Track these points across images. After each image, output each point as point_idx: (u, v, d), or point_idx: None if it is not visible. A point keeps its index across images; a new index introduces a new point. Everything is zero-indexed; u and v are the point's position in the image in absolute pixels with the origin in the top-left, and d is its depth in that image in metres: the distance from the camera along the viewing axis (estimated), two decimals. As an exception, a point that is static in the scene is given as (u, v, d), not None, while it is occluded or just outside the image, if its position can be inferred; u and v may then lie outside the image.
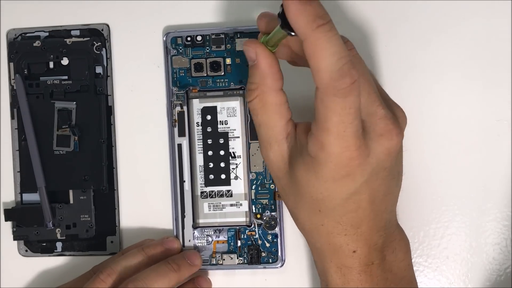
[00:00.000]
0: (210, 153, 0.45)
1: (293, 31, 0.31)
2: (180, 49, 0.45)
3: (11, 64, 0.47)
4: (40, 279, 0.48)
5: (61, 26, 0.47)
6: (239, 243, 0.45)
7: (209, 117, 0.45)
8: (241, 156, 0.45)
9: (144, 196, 0.47)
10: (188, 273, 0.43)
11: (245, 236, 0.45)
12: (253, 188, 0.45)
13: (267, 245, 0.45)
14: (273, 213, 0.45)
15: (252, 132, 0.45)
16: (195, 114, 0.45)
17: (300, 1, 0.30)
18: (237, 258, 0.45)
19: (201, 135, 0.45)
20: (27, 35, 0.47)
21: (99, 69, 0.47)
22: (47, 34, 0.47)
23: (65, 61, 0.47)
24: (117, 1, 0.47)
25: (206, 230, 0.46)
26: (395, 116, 0.36)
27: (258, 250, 0.45)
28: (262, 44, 0.35)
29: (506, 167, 0.44)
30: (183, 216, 0.45)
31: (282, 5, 0.32)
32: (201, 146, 0.45)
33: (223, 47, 0.45)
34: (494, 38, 0.44)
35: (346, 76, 0.31)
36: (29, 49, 0.47)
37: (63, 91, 0.46)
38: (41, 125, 0.46)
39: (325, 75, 0.31)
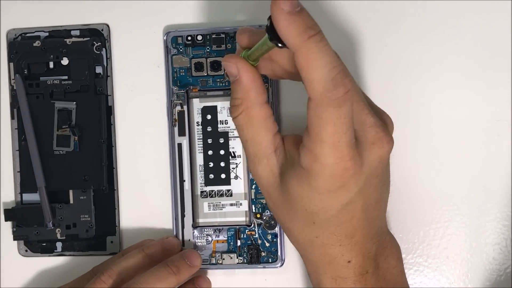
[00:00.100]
0: (210, 152, 0.45)
1: (283, 43, 0.31)
2: (181, 48, 0.45)
3: (11, 64, 0.47)
4: (40, 279, 0.48)
5: (61, 26, 0.47)
6: (238, 243, 0.45)
7: (209, 117, 0.45)
8: (241, 156, 0.45)
9: (144, 196, 0.47)
10: (188, 275, 0.43)
11: (245, 236, 0.45)
12: (253, 187, 0.45)
13: (267, 244, 0.45)
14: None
15: None
16: (195, 113, 0.45)
17: (290, 12, 0.30)
18: (237, 257, 0.45)
19: (201, 135, 0.45)
20: (27, 35, 0.47)
21: (99, 69, 0.47)
22: (47, 34, 0.47)
23: (65, 61, 0.47)
24: (117, 1, 0.47)
25: (206, 230, 0.46)
26: (384, 123, 0.36)
27: (257, 249, 0.45)
28: (243, 59, 0.35)
29: (506, 167, 0.44)
30: (183, 216, 0.45)
31: (269, 18, 0.31)
32: (201, 145, 0.45)
33: (223, 46, 0.45)
34: (494, 38, 0.44)
35: (340, 86, 0.31)
36: (29, 49, 0.47)
37: (63, 91, 0.46)
38: (41, 125, 0.46)
39: (318, 86, 0.31)
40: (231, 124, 0.45)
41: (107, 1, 0.47)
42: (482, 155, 0.44)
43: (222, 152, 0.45)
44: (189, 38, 0.45)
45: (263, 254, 0.45)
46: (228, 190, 0.45)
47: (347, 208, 0.34)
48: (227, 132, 0.45)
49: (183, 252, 0.44)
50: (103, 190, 0.46)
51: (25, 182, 0.47)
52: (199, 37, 0.45)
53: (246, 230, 0.45)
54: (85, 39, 0.46)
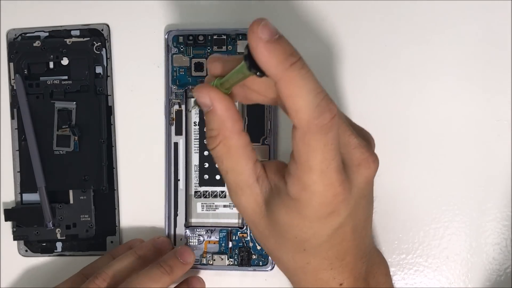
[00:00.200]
0: (206, 153, 0.45)
1: (262, 72, 0.30)
2: (181, 47, 0.45)
3: (11, 64, 0.47)
4: (40, 279, 0.48)
5: (61, 26, 0.47)
6: (230, 244, 0.45)
7: (207, 117, 0.45)
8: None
9: (144, 196, 0.47)
10: (181, 273, 0.43)
11: (236, 238, 0.45)
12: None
13: (258, 247, 0.45)
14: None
15: (249, 134, 0.45)
16: (193, 113, 0.45)
17: (268, 40, 0.29)
18: (228, 259, 0.45)
19: (198, 135, 0.45)
20: (27, 35, 0.47)
21: (99, 69, 0.47)
22: (47, 34, 0.47)
23: (65, 61, 0.47)
24: (117, 1, 0.47)
25: (198, 230, 0.46)
26: (367, 141, 0.35)
27: (249, 252, 0.45)
28: (214, 88, 0.33)
29: (506, 167, 0.44)
30: (175, 215, 0.45)
31: (247, 46, 0.29)
32: (198, 145, 0.45)
33: (224, 48, 0.45)
34: (494, 38, 0.44)
35: (326, 112, 0.30)
36: (29, 49, 0.47)
37: (63, 91, 0.46)
38: (41, 125, 0.46)
39: (304, 114, 0.29)
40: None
41: (107, 1, 0.47)
42: (482, 155, 0.44)
43: (219, 153, 0.45)
44: (191, 38, 0.45)
45: (254, 256, 0.45)
46: (222, 191, 0.45)
47: (337, 232, 0.34)
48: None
49: (176, 250, 0.44)
50: (103, 190, 0.46)
51: (25, 182, 0.47)
52: (201, 37, 0.45)
53: (238, 232, 0.45)
54: (85, 39, 0.46)
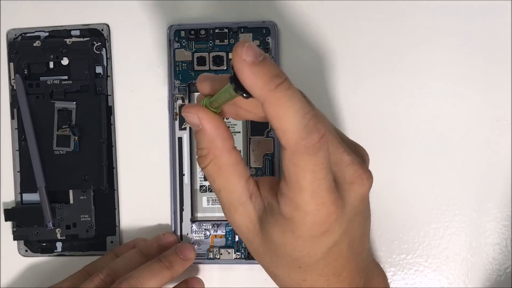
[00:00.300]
0: None
1: (248, 94, 0.29)
2: (183, 42, 0.45)
3: (11, 64, 0.47)
4: (40, 279, 0.48)
5: (61, 26, 0.47)
6: (236, 238, 0.45)
7: (210, 111, 0.45)
8: (241, 151, 0.45)
9: (144, 196, 0.47)
10: (182, 269, 0.43)
11: None
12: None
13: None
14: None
15: (253, 127, 0.45)
16: None
17: (253, 63, 0.28)
18: (234, 253, 0.45)
19: None
20: (27, 35, 0.47)
21: (99, 69, 0.47)
22: (47, 34, 0.47)
23: (65, 61, 0.47)
24: (117, 1, 0.47)
25: (204, 224, 0.46)
26: (361, 157, 0.35)
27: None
28: (202, 107, 0.33)
29: (506, 167, 0.44)
30: (181, 210, 0.46)
31: (233, 68, 0.29)
32: None
33: (226, 41, 0.45)
34: (494, 38, 0.44)
35: (314, 132, 0.29)
36: (29, 49, 0.47)
37: (63, 91, 0.46)
38: (41, 125, 0.46)
39: (292, 135, 0.29)
40: (231, 120, 0.45)
41: (107, 1, 0.47)
42: (482, 155, 0.44)
43: (222, 148, 0.45)
44: (192, 32, 0.45)
45: None
46: None
47: (333, 249, 0.34)
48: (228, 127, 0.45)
49: (176, 246, 0.44)
50: (103, 190, 0.46)
51: (25, 182, 0.47)
52: (202, 32, 0.45)
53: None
54: (85, 39, 0.46)
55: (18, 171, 0.47)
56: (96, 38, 0.46)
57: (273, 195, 0.34)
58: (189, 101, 0.45)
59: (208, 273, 0.46)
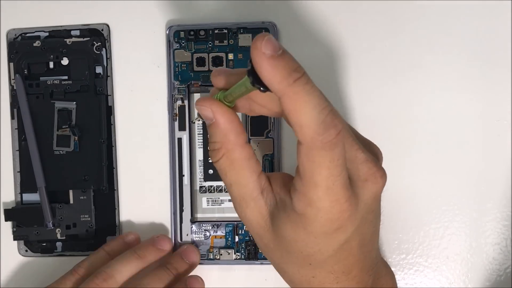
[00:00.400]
0: None
1: (266, 87, 0.29)
2: (183, 43, 0.45)
3: (11, 64, 0.47)
4: (40, 279, 0.48)
5: (61, 26, 0.47)
6: (236, 239, 0.45)
7: (209, 113, 0.45)
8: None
9: (144, 196, 0.47)
10: (188, 273, 0.44)
11: (242, 232, 0.45)
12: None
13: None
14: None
15: (253, 128, 0.45)
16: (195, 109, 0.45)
17: (272, 56, 0.28)
18: (235, 253, 0.45)
19: (202, 130, 0.45)
20: (27, 35, 0.47)
21: (99, 69, 0.47)
22: (47, 34, 0.47)
23: (65, 61, 0.47)
24: (117, 1, 0.47)
25: (204, 225, 0.46)
26: (375, 155, 0.35)
27: (255, 246, 0.45)
28: (216, 101, 0.33)
29: (506, 167, 0.44)
30: (181, 210, 0.46)
31: (250, 61, 0.29)
32: (201, 140, 0.45)
33: (225, 42, 0.45)
34: (494, 38, 0.44)
35: (331, 128, 0.29)
36: (29, 49, 0.47)
37: (63, 91, 0.46)
38: (41, 125, 0.46)
39: (309, 130, 0.29)
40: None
41: (107, 1, 0.47)
42: (482, 155, 0.44)
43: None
44: (192, 33, 0.45)
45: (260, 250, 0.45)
46: None
47: (344, 247, 0.34)
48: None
49: (181, 251, 0.44)
50: (103, 190, 0.46)
51: (25, 182, 0.47)
52: (202, 32, 0.45)
53: (244, 226, 0.45)
54: (85, 39, 0.46)
55: (18, 171, 0.47)
56: (96, 38, 0.46)
57: (285, 190, 0.34)
58: (189, 102, 0.45)
59: (209, 273, 0.46)
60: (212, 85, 0.45)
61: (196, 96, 0.45)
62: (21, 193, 0.47)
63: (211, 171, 0.45)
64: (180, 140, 0.45)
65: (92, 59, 0.46)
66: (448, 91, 0.45)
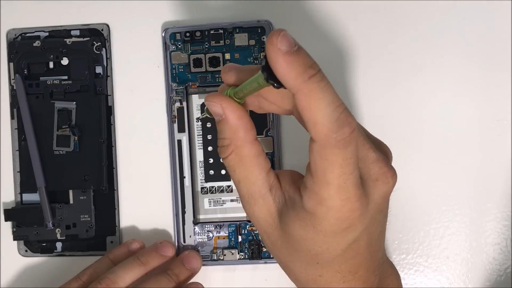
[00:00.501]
0: (210, 148, 0.45)
1: (280, 84, 0.29)
2: (179, 44, 0.45)
3: (11, 64, 0.47)
4: (40, 279, 0.48)
5: (61, 26, 0.47)
6: (239, 239, 0.45)
7: (208, 113, 0.45)
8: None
9: (144, 196, 0.47)
10: (189, 280, 0.44)
11: (245, 232, 0.45)
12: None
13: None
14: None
15: None
16: (195, 109, 0.45)
17: (287, 52, 0.28)
18: (238, 253, 0.45)
19: (201, 131, 0.45)
20: (27, 35, 0.47)
21: (99, 69, 0.47)
22: (47, 34, 0.47)
23: (65, 61, 0.47)
24: (117, 1, 0.47)
25: (206, 226, 0.46)
26: (385, 155, 0.35)
27: (259, 245, 0.45)
28: (226, 97, 0.33)
29: (506, 167, 0.44)
30: (183, 212, 0.46)
31: (265, 57, 0.29)
32: (201, 141, 0.45)
33: (222, 42, 0.45)
34: (494, 38, 0.44)
35: (345, 126, 0.29)
36: (29, 49, 0.47)
37: (63, 91, 0.46)
38: (41, 125, 0.46)
39: (323, 128, 0.29)
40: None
41: (107, 1, 0.47)
42: (482, 155, 0.44)
43: (222, 149, 0.45)
44: (188, 34, 0.45)
45: (264, 249, 0.45)
46: (229, 186, 0.45)
47: (352, 246, 0.34)
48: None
49: (182, 257, 0.44)
50: (103, 190, 0.46)
51: (25, 182, 0.47)
52: (198, 33, 0.45)
53: (247, 226, 0.45)
54: (85, 39, 0.46)
55: (18, 171, 0.47)
56: (96, 38, 0.46)
57: (295, 188, 0.33)
58: (187, 104, 0.45)
59: (213, 274, 0.46)
60: (209, 86, 0.45)
61: (195, 97, 0.45)
62: (21, 193, 0.47)
63: (212, 172, 0.45)
64: (180, 142, 0.45)
65: (92, 59, 0.46)
66: (448, 91, 0.45)
